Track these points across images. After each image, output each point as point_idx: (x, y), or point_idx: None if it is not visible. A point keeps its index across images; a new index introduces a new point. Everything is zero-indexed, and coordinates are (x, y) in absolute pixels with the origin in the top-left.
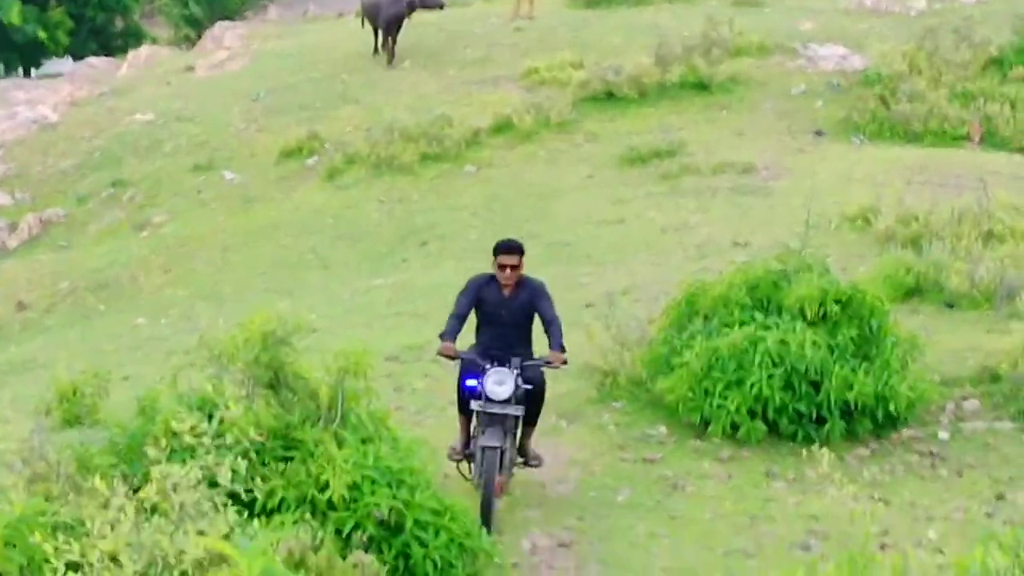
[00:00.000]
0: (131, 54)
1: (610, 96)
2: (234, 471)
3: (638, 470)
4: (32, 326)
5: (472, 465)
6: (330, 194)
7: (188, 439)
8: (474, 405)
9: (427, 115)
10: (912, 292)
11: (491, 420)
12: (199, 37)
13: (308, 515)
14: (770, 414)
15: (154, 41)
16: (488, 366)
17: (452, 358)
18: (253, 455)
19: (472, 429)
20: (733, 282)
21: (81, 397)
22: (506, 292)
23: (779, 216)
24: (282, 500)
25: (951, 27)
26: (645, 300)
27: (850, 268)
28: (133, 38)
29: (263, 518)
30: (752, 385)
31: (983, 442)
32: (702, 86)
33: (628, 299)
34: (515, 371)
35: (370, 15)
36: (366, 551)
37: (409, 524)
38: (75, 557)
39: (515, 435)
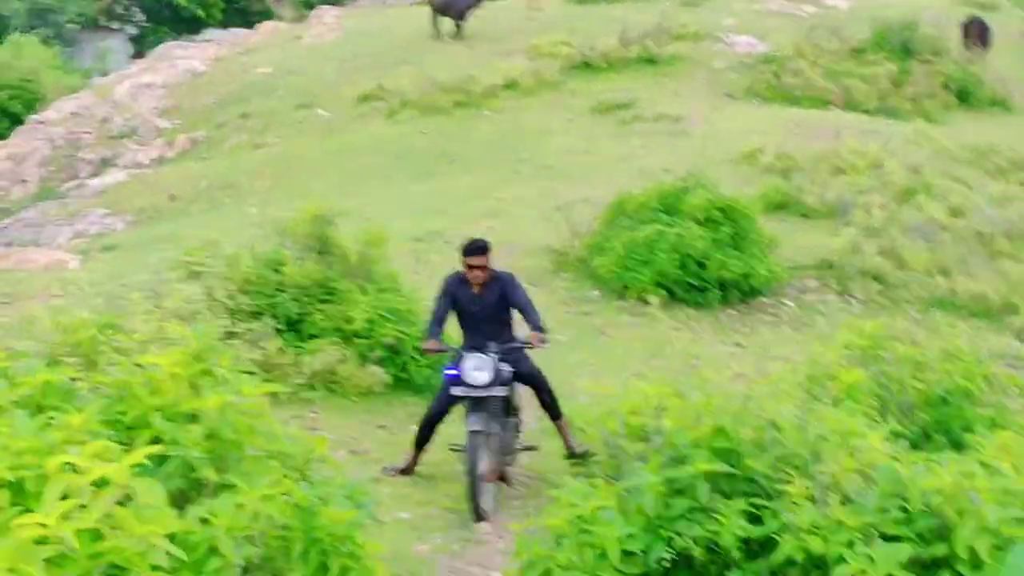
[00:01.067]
0: (260, 26)
1: (587, 66)
2: (290, 307)
3: (577, 320)
4: (180, 212)
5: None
6: (389, 127)
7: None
8: (455, 391)
9: (460, 74)
10: (780, 206)
11: (474, 405)
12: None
13: (339, 339)
14: (669, 285)
15: (279, 18)
16: (465, 354)
17: (437, 352)
18: (303, 297)
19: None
20: (649, 194)
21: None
22: (476, 290)
23: (696, 152)
24: (322, 328)
25: (828, 26)
26: (596, 205)
27: (740, 189)
28: (264, 15)
29: (308, 340)
30: (658, 264)
31: (816, 308)
32: (651, 61)
33: (585, 204)
34: (493, 355)
35: (443, 6)
36: (378, 365)
37: (407, 348)
38: None
39: (508, 419)
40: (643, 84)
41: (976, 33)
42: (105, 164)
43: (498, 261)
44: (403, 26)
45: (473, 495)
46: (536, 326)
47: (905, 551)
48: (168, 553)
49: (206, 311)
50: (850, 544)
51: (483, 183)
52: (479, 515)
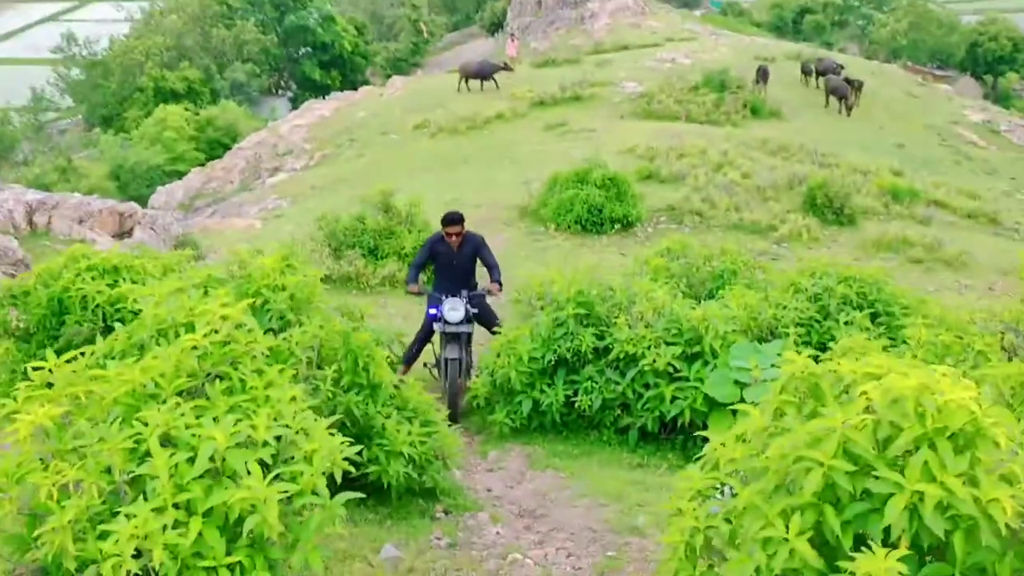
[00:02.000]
0: (361, 89)
1: (542, 103)
2: (368, 241)
3: (532, 244)
4: (316, 195)
5: (439, 372)
6: (431, 143)
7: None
8: (436, 327)
9: (470, 110)
10: (647, 177)
11: (449, 338)
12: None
13: (397, 259)
14: (583, 222)
15: (372, 84)
16: (444, 298)
17: (419, 294)
18: (376, 236)
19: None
20: (571, 172)
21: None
22: (454, 247)
23: (600, 149)
24: (386, 253)
25: (678, 74)
26: (542, 180)
27: (624, 168)
28: (364, 83)
29: (380, 259)
30: (576, 211)
31: (662, 232)
32: (578, 98)
33: (537, 180)
34: (464, 300)
35: (470, 74)
36: None
37: None
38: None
39: (470, 348)
40: (573, 112)
41: (762, 75)
42: (275, 170)
43: (487, 214)
44: (440, 85)
45: (452, 404)
46: (496, 280)
47: (675, 350)
48: (264, 353)
49: (324, 245)
50: (647, 347)
51: (482, 172)
52: (455, 418)
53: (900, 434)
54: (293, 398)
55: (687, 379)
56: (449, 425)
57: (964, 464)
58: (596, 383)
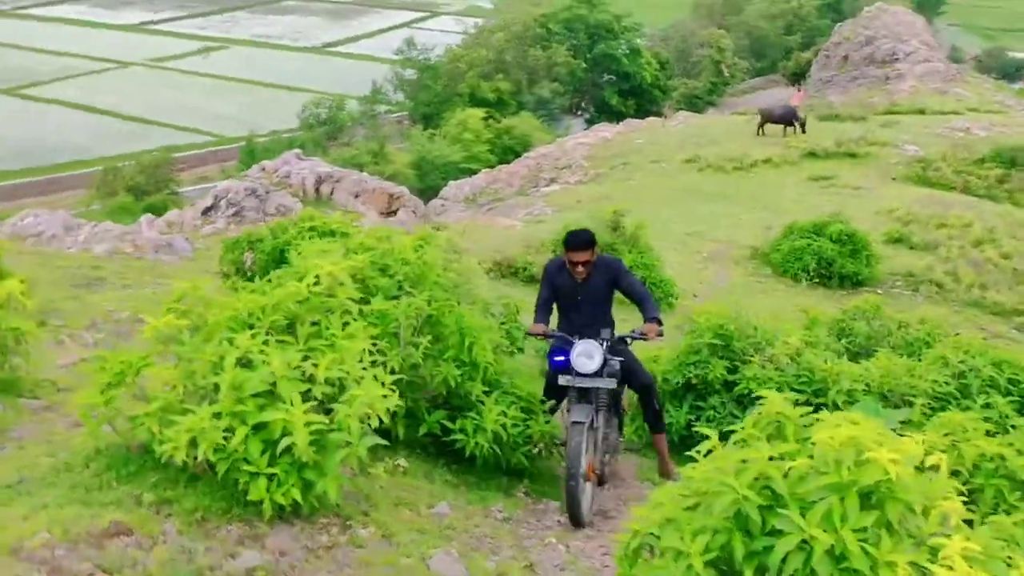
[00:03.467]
0: (646, 120)
1: (813, 154)
2: None
3: (752, 285)
4: (580, 208)
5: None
6: (697, 176)
7: None
8: (562, 380)
9: (739, 152)
10: (897, 240)
11: (579, 395)
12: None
13: None
14: (810, 273)
15: (662, 116)
16: (575, 340)
17: (543, 336)
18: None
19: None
20: (806, 222)
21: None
22: (579, 278)
23: (859, 207)
24: None
25: (966, 144)
26: (783, 226)
27: (873, 227)
28: (658, 113)
29: None
30: (804, 261)
31: (893, 296)
32: (853, 155)
33: (780, 226)
34: (603, 343)
35: (773, 118)
36: None
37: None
38: None
39: (612, 414)
40: (843, 167)
41: None
42: (551, 181)
43: (719, 249)
44: (721, 125)
45: (571, 495)
46: (652, 316)
47: (797, 397)
48: (359, 310)
49: (550, 249)
50: (771, 387)
51: (733, 210)
52: (577, 521)
53: (816, 479)
54: (364, 351)
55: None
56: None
57: (868, 520)
58: (718, 413)
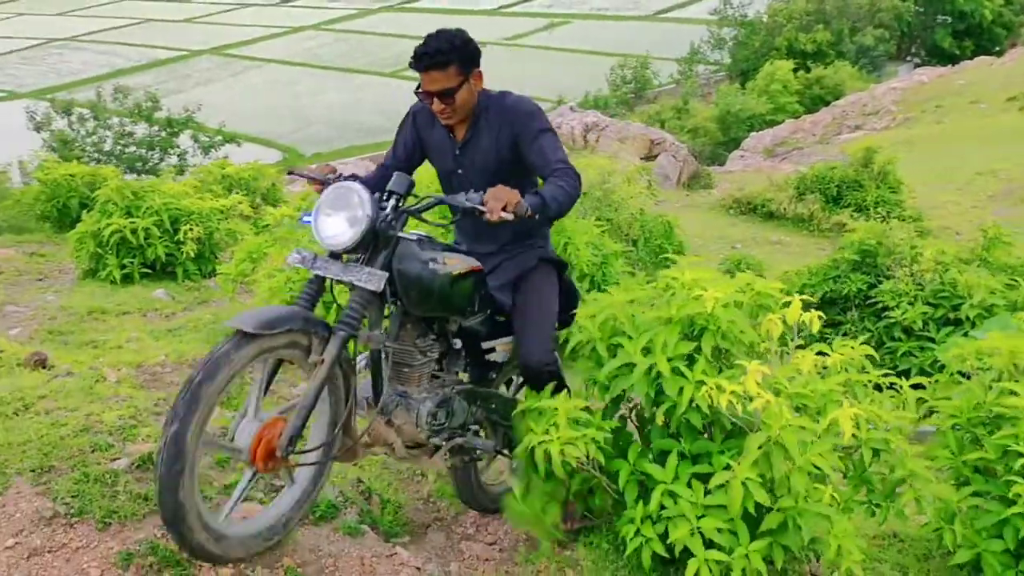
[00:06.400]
0: (975, 60)
1: None
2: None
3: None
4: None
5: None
6: (1018, 117)
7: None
8: (291, 259)
9: None
10: None
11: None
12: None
13: (854, 209)
14: None
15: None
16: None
17: (314, 181)
18: (842, 185)
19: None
20: None
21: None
22: (457, 134)
23: None
24: (848, 202)
25: None
26: None
27: None
28: (999, 54)
29: (842, 208)
30: None
31: None
32: None
33: None
34: (391, 195)
35: None
36: None
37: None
38: None
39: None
40: None
41: None
42: (856, 128)
43: (1012, 189)
44: None
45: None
46: (535, 192)
47: (927, 311)
48: None
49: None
50: (905, 302)
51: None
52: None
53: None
54: None
55: (932, 340)
56: None
57: (686, 348)
58: (855, 327)
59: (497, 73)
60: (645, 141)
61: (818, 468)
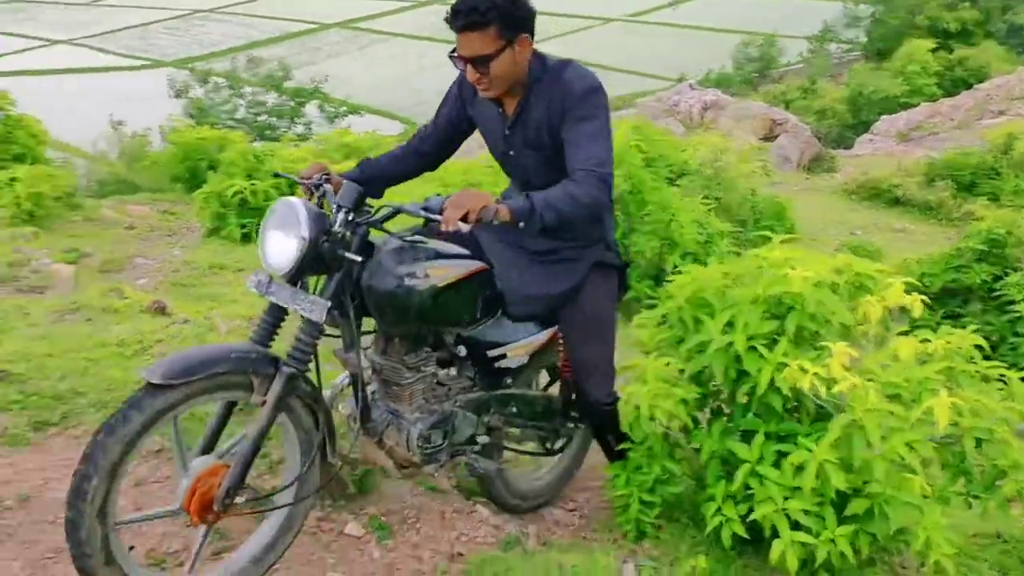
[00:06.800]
0: None
1: None
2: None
3: None
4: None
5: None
6: None
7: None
8: (248, 281)
9: None
10: None
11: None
12: None
13: (988, 199)
14: None
15: None
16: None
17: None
18: (977, 173)
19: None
20: None
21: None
22: (507, 108)
23: None
24: (984, 191)
25: None
26: None
27: None
28: None
29: (972, 195)
30: None
31: None
32: None
33: None
34: (342, 209)
35: None
36: None
37: None
38: None
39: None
40: None
41: None
42: (999, 114)
43: None
44: None
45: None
46: (526, 196)
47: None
48: None
49: (921, 173)
50: None
51: None
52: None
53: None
54: None
55: None
56: None
57: (767, 328)
58: (976, 321)
59: (618, 50)
60: (766, 121)
61: (902, 457)
